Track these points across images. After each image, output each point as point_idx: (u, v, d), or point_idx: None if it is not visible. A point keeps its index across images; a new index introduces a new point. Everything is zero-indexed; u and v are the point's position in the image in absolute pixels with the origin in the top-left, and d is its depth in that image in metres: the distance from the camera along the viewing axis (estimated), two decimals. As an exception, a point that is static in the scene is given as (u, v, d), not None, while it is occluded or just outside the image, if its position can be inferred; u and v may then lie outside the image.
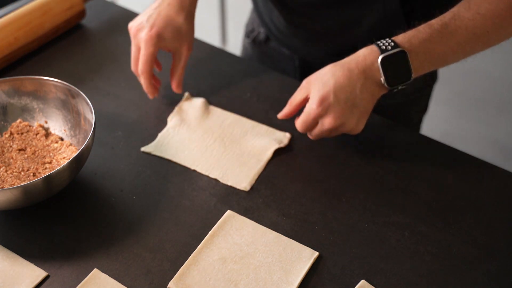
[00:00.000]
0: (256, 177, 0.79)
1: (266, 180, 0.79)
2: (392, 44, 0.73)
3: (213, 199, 0.77)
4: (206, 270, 0.68)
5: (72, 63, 0.99)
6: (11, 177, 0.75)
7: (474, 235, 0.73)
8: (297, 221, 0.74)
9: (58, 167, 0.69)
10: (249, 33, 1.14)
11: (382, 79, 0.74)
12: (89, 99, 0.77)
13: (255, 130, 0.86)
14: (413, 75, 0.74)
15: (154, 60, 0.85)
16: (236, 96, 0.92)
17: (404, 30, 0.76)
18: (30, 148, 0.80)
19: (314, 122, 0.77)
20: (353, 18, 0.91)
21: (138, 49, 0.85)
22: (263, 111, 0.89)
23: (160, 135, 0.85)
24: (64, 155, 0.79)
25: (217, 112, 0.89)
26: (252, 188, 0.78)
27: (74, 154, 0.71)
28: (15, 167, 0.77)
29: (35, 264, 0.69)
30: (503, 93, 2.23)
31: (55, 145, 0.81)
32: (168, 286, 0.67)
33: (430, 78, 1.03)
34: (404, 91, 0.84)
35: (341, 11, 0.90)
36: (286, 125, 0.87)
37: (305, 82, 0.78)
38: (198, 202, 0.76)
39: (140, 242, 0.71)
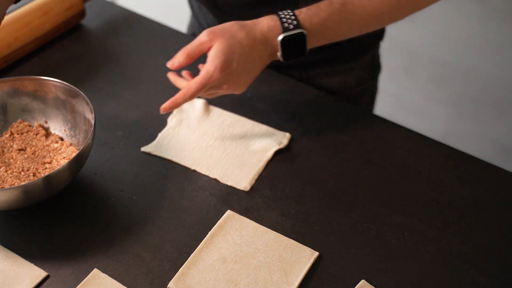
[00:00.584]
0: (256, 177, 0.79)
1: (266, 180, 0.79)
2: (295, 22, 0.76)
3: (213, 199, 0.77)
4: (206, 270, 0.68)
5: (72, 63, 0.99)
6: (11, 177, 0.75)
7: (474, 235, 0.73)
8: (297, 221, 0.74)
9: (58, 167, 0.69)
10: (190, 37, 1.14)
11: (279, 54, 0.78)
12: (89, 99, 0.77)
13: (255, 130, 0.86)
14: (307, 51, 0.79)
15: None
16: (236, 96, 0.92)
17: None
18: (30, 148, 0.80)
19: (211, 85, 0.76)
20: None
21: None
22: (263, 111, 0.89)
23: (160, 135, 0.85)
24: (64, 155, 0.79)
25: (217, 112, 0.89)
26: (252, 188, 0.78)
27: (74, 154, 0.71)
28: (15, 167, 0.77)
29: (35, 264, 0.69)
30: (502, 93, 2.23)
31: (55, 145, 0.81)
32: (168, 286, 0.67)
33: (373, 70, 1.06)
34: (347, 85, 0.98)
35: (267, 9, 0.88)
36: (286, 125, 0.87)
37: (208, 34, 0.76)
38: (198, 202, 0.76)
39: (140, 242, 0.71)
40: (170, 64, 0.78)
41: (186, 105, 0.89)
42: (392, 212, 0.75)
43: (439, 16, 1.81)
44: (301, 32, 0.76)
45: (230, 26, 0.76)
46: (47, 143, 0.81)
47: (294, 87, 0.94)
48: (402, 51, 1.96)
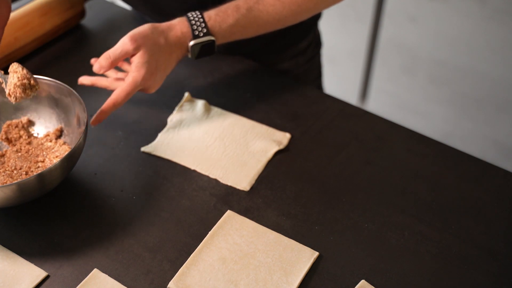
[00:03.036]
0: (256, 177, 0.79)
1: (266, 180, 0.79)
2: (205, 30, 0.83)
3: (213, 199, 0.77)
4: (206, 270, 0.68)
5: (72, 63, 0.99)
6: (3, 175, 0.76)
7: (474, 235, 0.73)
8: (297, 221, 0.74)
9: (50, 166, 0.69)
10: None
11: (190, 55, 0.85)
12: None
13: (255, 130, 0.86)
14: (215, 52, 0.86)
15: None
16: (236, 96, 0.92)
17: None
18: (23, 147, 0.80)
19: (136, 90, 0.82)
20: None
21: None
22: (263, 111, 0.89)
23: (160, 135, 0.85)
24: (57, 153, 0.79)
25: (217, 112, 0.89)
26: (252, 188, 0.78)
27: (67, 153, 0.71)
28: (8, 166, 0.77)
29: (35, 264, 0.69)
30: (503, 93, 2.23)
31: (49, 143, 0.81)
32: (168, 286, 0.67)
33: (315, 46, 1.14)
34: (297, 62, 1.08)
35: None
36: (286, 125, 0.87)
37: (131, 42, 0.80)
38: (198, 202, 0.76)
39: (140, 242, 0.71)
40: (97, 69, 0.82)
41: (186, 105, 0.90)
42: (392, 212, 0.75)
43: (439, 16, 1.81)
44: (211, 39, 0.83)
45: (150, 32, 0.81)
46: (40, 142, 0.81)
47: (294, 87, 0.94)
48: (402, 51, 1.96)
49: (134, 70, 0.80)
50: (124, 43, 0.80)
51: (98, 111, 0.80)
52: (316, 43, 1.14)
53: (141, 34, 0.81)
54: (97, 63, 0.82)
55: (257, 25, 0.86)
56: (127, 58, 0.84)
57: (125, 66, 0.90)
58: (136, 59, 0.80)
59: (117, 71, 0.90)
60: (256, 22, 0.85)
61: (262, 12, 0.85)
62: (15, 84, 0.73)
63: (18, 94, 0.73)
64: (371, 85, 2.09)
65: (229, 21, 0.84)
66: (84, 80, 0.88)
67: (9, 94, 0.74)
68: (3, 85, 0.75)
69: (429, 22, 1.84)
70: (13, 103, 0.75)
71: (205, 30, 0.83)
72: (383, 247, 0.71)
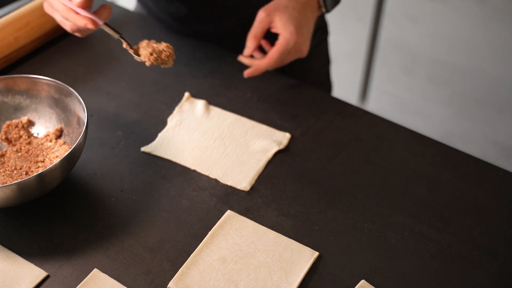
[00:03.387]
0: (256, 177, 0.79)
1: (266, 180, 0.79)
2: None
3: (213, 199, 0.77)
4: (206, 270, 0.68)
5: (72, 63, 0.99)
6: (3, 175, 0.76)
7: (474, 235, 0.73)
8: (297, 221, 0.74)
9: (50, 166, 0.69)
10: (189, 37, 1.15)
11: (324, 9, 0.90)
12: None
13: (255, 130, 0.86)
14: None
15: None
16: (236, 96, 0.92)
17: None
18: (23, 147, 0.80)
19: (290, 49, 0.86)
20: None
21: None
22: (263, 111, 0.89)
23: (160, 135, 0.85)
24: (57, 153, 0.79)
25: (217, 112, 0.89)
26: (252, 188, 0.78)
27: (67, 153, 0.71)
28: (8, 166, 0.77)
29: (35, 264, 0.69)
30: (503, 93, 2.23)
31: (49, 143, 0.81)
32: (168, 286, 0.67)
33: (322, 32, 1.15)
34: None
35: None
36: (286, 125, 0.87)
37: (263, 13, 0.86)
38: (198, 202, 0.76)
39: (140, 242, 0.71)
40: (247, 52, 0.89)
41: (186, 105, 0.90)
42: (392, 212, 0.75)
43: (439, 16, 1.81)
44: None
45: (280, 1, 0.86)
46: (41, 141, 0.81)
47: (294, 87, 0.94)
48: (402, 51, 1.96)
49: (281, 31, 0.85)
50: (257, 16, 0.86)
51: (253, 67, 0.88)
52: (323, 29, 1.14)
53: (272, 4, 0.86)
54: (246, 47, 0.89)
55: None
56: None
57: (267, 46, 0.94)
58: (277, 24, 0.85)
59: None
60: None
61: None
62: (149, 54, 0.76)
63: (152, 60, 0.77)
64: (371, 85, 2.09)
65: None
66: (243, 59, 0.92)
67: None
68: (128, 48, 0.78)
69: (429, 22, 1.84)
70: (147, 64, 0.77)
71: None
72: (383, 247, 0.71)
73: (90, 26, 0.73)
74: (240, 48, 0.98)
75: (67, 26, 0.77)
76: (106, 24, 0.75)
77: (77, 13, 0.73)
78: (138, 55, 0.77)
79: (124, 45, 0.77)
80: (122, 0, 2.25)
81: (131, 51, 0.77)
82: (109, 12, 0.77)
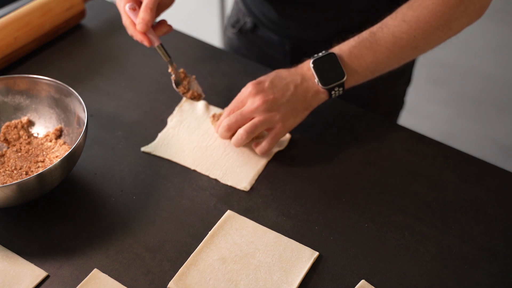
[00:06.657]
0: (256, 177, 0.79)
1: (266, 180, 0.79)
2: (323, 51, 0.80)
3: (213, 199, 0.77)
4: (206, 270, 0.68)
5: (72, 63, 0.99)
6: (3, 175, 0.76)
7: (474, 235, 0.73)
8: (297, 221, 0.74)
9: (50, 166, 0.69)
10: (235, 24, 1.15)
11: (316, 80, 0.80)
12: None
13: (255, 130, 0.86)
14: (347, 75, 0.80)
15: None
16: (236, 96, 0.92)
17: (391, 12, 0.81)
18: (23, 147, 0.80)
19: (243, 103, 0.80)
20: (344, 2, 0.96)
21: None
22: (263, 111, 0.89)
23: (160, 135, 0.85)
24: (57, 153, 0.79)
25: (217, 112, 0.89)
26: (252, 188, 0.78)
27: (67, 153, 0.71)
28: (8, 166, 0.77)
29: (35, 264, 0.69)
30: (502, 93, 2.24)
31: (49, 143, 0.81)
32: (168, 286, 0.67)
33: (407, 82, 1.12)
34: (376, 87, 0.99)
35: None
36: (286, 125, 0.87)
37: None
38: (198, 202, 0.76)
39: (140, 242, 0.71)
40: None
41: (186, 105, 0.90)
42: (392, 212, 0.75)
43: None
44: (331, 53, 0.79)
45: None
46: (40, 141, 0.81)
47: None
48: (402, 51, 1.96)
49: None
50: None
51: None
52: (408, 78, 1.10)
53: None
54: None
55: (384, 48, 0.79)
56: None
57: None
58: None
59: None
60: (381, 44, 0.79)
61: (387, 34, 0.79)
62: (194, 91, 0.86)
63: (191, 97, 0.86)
64: (371, 85, 2.09)
65: (349, 43, 0.80)
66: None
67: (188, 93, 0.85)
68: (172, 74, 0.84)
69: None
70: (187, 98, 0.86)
71: (324, 51, 0.80)
72: (383, 247, 0.71)
73: (145, 44, 0.81)
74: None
75: (127, 30, 0.84)
76: (161, 45, 0.82)
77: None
78: (177, 83, 0.84)
79: (170, 69, 0.83)
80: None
81: (172, 78, 0.84)
82: (166, 32, 0.83)
